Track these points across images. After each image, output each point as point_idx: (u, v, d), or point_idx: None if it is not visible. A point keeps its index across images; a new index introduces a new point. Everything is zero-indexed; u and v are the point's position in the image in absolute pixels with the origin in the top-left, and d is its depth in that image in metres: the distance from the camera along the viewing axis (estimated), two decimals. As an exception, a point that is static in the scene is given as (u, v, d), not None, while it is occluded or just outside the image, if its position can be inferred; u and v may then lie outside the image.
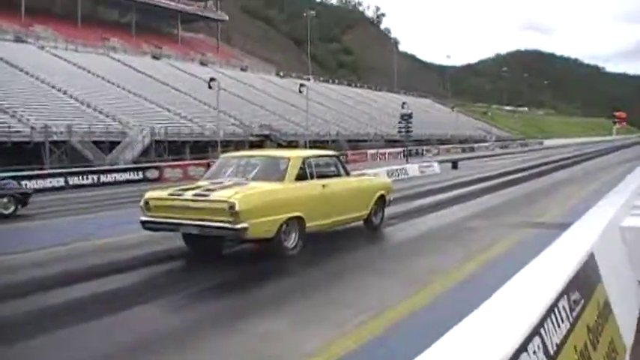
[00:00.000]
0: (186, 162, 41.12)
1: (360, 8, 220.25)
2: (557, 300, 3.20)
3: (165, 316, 7.18)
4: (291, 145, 53.13)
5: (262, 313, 6.78)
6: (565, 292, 3.36)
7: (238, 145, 48.73)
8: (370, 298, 7.21)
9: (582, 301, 3.71)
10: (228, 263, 10.35)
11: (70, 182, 30.53)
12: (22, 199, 18.78)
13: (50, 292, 8.24)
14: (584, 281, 3.95)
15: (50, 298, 7.89)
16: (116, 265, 9.84)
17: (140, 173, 35.48)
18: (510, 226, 12.69)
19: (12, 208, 18.23)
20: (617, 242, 6.20)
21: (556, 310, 3.15)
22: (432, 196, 19.79)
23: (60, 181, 29.52)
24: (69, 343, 6.13)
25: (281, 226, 9.69)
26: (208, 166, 36.02)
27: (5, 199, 18.20)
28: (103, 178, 32.98)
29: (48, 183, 27.86)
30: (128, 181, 33.40)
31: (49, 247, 11.69)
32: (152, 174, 35.95)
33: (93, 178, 32.38)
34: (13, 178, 21.75)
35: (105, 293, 8.14)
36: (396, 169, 30.38)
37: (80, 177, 31.84)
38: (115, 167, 36.40)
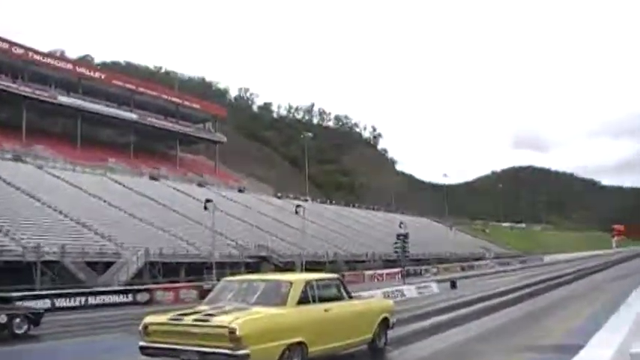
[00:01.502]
0: (178, 285, 40.38)
1: (357, 129, 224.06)
2: None
3: None
4: (287, 267, 52.48)
5: None
6: None
7: (234, 267, 48.12)
8: None
9: None
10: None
11: (57, 304, 29.70)
12: (35, 318, 19.18)
13: None
14: None
15: None
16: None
17: (130, 296, 34.76)
18: (512, 350, 12.10)
19: (24, 328, 18.59)
20: (629, 372, 5.68)
21: None
22: (431, 319, 19.19)
23: (46, 303, 28.44)
24: None
25: (283, 352, 9.47)
26: (201, 289, 35.51)
27: (19, 319, 18.61)
28: (92, 301, 32.22)
29: (33, 304, 26.89)
30: (117, 304, 32.66)
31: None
32: (143, 297, 35.20)
33: (80, 301, 31.66)
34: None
35: None
36: (393, 291, 29.79)
37: (67, 299, 31.11)
38: (103, 289, 35.49)
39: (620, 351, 5.50)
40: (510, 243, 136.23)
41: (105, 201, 58.30)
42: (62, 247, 40.50)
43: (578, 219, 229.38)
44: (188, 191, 75.50)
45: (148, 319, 10.12)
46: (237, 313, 9.50)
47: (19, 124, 71.30)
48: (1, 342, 17.10)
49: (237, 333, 8.79)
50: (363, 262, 67.85)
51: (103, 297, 33.31)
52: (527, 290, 30.64)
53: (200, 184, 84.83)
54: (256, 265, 52.80)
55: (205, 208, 48.35)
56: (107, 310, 29.84)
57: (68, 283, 36.36)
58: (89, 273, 40.27)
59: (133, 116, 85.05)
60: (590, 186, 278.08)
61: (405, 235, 43.48)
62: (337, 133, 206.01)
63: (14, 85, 70.62)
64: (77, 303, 31.31)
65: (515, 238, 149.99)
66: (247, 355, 8.82)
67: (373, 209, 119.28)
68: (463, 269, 74.81)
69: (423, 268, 67.61)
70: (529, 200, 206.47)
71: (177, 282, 42.47)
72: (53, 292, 32.02)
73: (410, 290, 31.89)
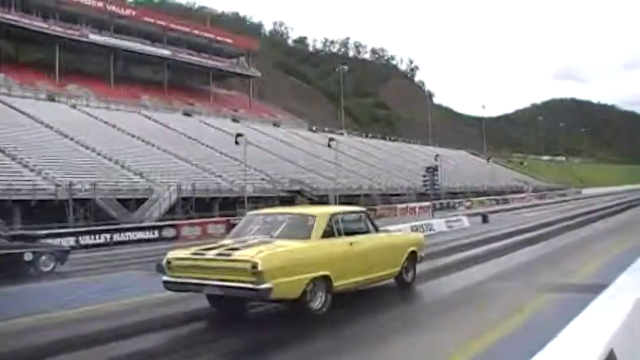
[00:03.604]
0: (205, 220, 40.10)
1: (394, 62, 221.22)
2: None
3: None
4: (321, 200, 52.15)
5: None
6: None
7: (268, 201, 47.86)
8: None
9: None
10: (252, 325, 9.96)
11: (82, 241, 29.63)
12: (61, 256, 19.06)
13: (64, 355, 8.15)
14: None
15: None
16: (137, 327, 9.64)
17: (156, 232, 34.61)
18: (535, 289, 11.47)
19: (51, 266, 18.39)
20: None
21: None
22: (456, 254, 18.67)
23: (70, 241, 28.22)
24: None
25: (307, 286, 9.32)
26: (229, 223, 35.29)
27: (45, 257, 18.46)
28: (117, 237, 32.06)
29: (58, 242, 26.71)
30: (142, 241, 32.57)
31: (77, 307, 11.54)
32: (169, 233, 35.06)
33: (105, 237, 31.54)
34: (15, 237, 21.42)
35: (127, 356, 8.06)
36: (421, 224, 29.22)
37: (92, 236, 31.07)
38: (129, 226, 35.42)
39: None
40: (549, 176, 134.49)
41: (138, 138, 58.37)
42: (93, 185, 40.58)
43: (619, 152, 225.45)
44: (222, 126, 75.28)
45: (171, 254, 10.04)
46: (260, 246, 9.33)
47: (53, 64, 71.39)
48: (27, 279, 17.02)
49: (259, 267, 8.62)
50: (398, 195, 67.32)
51: (128, 234, 33.16)
52: (562, 224, 29.89)
53: (234, 120, 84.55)
54: (290, 199, 52.51)
55: (237, 142, 47.96)
56: (133, 247, 29.82)
57: (100, 220, 36.46)
58: (121, 210, 40.38)
59: (166, 52, 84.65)
60: (633, 118, 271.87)
61: (435, 168, 42.75)
62: (374, 66, 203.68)
63: (45, 25, 70.57)
64: (102, 240, 31.16)
65: (554, 171, 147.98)
66: (270, 289, 8.66)
67: (410, 142, 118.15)
68: (497, 202, 73.80)
69: (457, 201, 66.96)
70: (569, 133, 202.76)
71: (212, 217, 42.33)
72: (78, 229, 32.06)
73: (439, 224, 31.32)
